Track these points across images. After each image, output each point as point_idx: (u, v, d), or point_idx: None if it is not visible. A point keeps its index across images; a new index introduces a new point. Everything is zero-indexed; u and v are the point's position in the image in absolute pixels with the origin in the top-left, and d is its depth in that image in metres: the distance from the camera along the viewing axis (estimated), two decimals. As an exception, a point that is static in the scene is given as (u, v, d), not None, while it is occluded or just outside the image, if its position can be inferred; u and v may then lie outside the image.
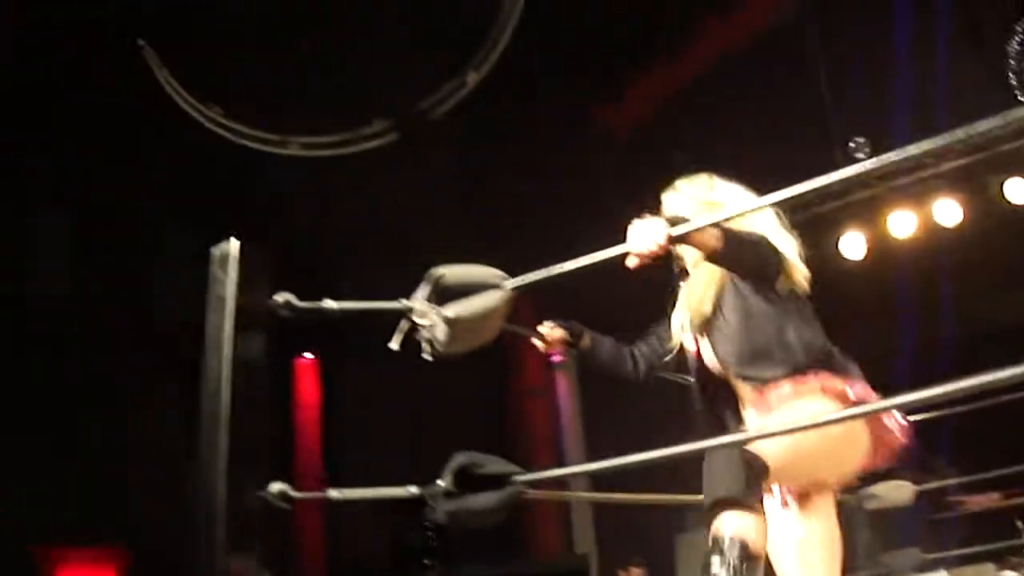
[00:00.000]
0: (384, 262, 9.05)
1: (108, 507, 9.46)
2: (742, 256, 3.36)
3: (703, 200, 3.69)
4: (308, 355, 11.96)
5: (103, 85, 9.04)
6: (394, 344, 2.75)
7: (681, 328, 3.75)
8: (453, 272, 2.71)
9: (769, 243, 3.49)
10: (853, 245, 9.64)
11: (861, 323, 10.74)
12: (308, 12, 8.99)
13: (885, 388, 2.86)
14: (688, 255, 3.67)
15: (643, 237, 2.92)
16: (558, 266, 2.73)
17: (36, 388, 9.35)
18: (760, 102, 9.89)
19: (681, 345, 3.78)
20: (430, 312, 2.64)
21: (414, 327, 2.69)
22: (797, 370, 3.37)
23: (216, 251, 2.33)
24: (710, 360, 3.64)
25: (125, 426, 9.94)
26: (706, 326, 3.62)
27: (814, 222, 9.75)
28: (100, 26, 8.80)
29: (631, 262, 2.95)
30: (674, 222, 2.97)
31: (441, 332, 2.63)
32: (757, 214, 3.57)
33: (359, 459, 10.78)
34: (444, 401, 10.49)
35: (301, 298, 2.53)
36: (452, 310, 2.65)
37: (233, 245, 2.32)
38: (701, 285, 3.62)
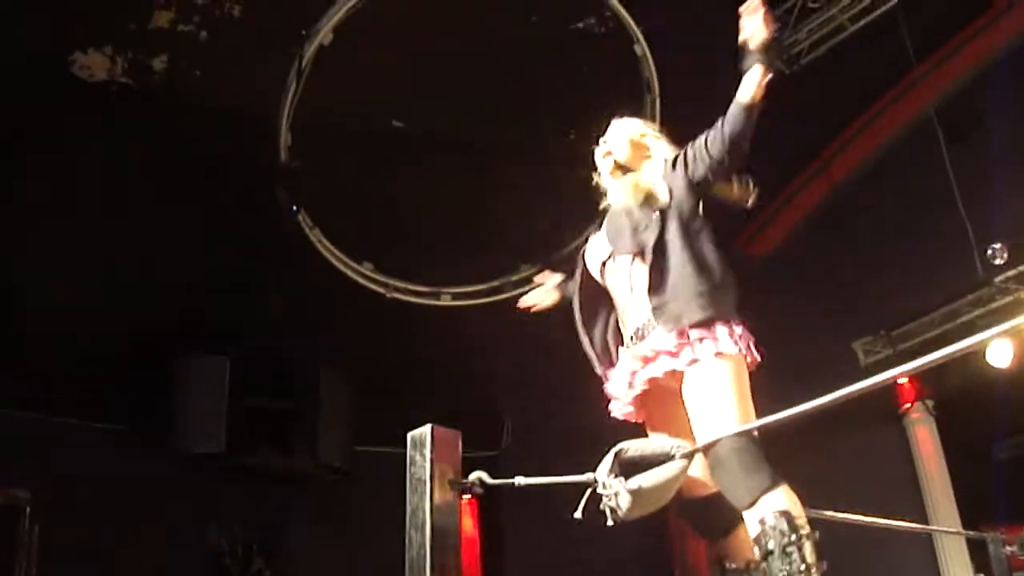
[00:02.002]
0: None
1: None
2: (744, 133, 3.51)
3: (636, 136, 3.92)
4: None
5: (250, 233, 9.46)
6: (578, 514, 2.91)
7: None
8: (634, 446, 2.88)
9: None
10: (1001, 352, 9.44)
11: (1005, 431, 10.61)
12: (451, 169, 9.36)
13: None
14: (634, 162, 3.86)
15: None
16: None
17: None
18: (896, 212, 9.94)
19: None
20: (615, 484, 2.80)
21: (596, 495, 2.86)
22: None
23: (413, 435, 2.54)
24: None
25: None
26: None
27: (960, 332, 9.67)
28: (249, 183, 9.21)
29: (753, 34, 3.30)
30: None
31: (624, 502, 2.80)
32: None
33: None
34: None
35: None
36: (637, 482, 2.81)
37: (427, 430, 2.52)
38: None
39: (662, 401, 3.60)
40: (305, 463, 10.05)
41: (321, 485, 10.36)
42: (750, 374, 3.47)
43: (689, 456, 3.03)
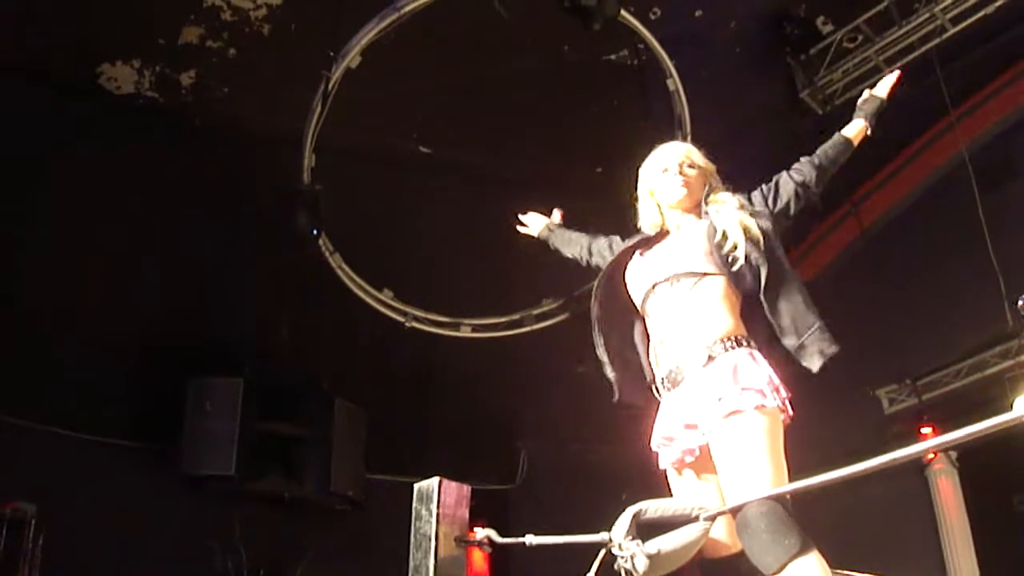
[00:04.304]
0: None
1: None
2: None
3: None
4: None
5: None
6: (591, 575, 2.79)
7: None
8: (653, 506, 2.75)
9: None
10: (1028, 406, 9.28)
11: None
12: (476, 198, 9.28)
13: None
14: (696, 189, 3.73)
15: None
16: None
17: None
18: (926, 258, 9.82)
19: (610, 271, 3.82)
20: (632, 547, 2.68)
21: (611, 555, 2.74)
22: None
23: (419, 487, 2.41)
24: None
25: None
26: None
27: (987, 383, 9.53)
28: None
29: None
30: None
31: (641, 565, 2.67)
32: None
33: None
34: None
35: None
36: (655, 546, 2.68)
37: (434, 483, 2.39)
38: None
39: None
40: (316, 492, 9.91)
41: (331, 513, 10.21)
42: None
43: (712, 519, 2.89)
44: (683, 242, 3.63)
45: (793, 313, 3.43)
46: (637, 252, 3.78)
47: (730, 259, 3.46)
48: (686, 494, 3.43)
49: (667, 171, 3.75)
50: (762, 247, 3.47)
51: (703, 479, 3.43)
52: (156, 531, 9.22)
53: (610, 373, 3.71)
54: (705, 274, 3.48)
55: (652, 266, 3.65)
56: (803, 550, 2.97)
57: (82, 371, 9.12)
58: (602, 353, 3.74)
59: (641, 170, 3.87)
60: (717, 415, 3.22)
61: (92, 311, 8.93)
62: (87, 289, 8.91)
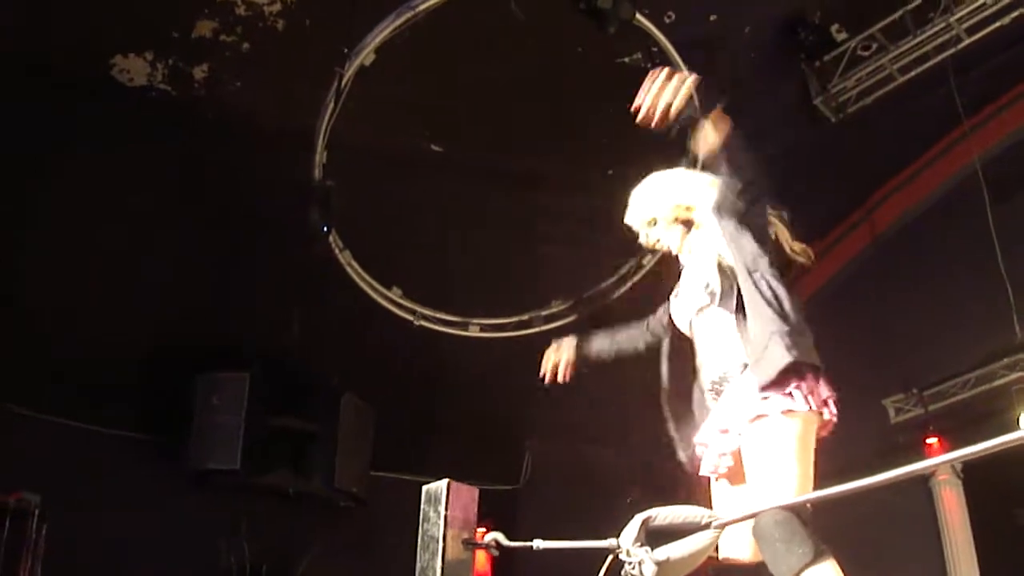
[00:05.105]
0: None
1: None
2: (743, 163, 3.41)
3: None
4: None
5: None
6: (598, 582, 2.79)
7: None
8: (663, 513, 2.75)
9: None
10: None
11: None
12: (487, 198, 9.27)
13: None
14: (674, 239, 3.74)
15: (665, 87, 2.90)
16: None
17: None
18: (936, 268, 9.79)
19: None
20: (641, 554, 2.67)
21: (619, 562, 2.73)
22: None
23: (428, 489, 2.41)
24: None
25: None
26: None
27: (993, 395, 9.51)
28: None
29: (641, 112, 2.95)
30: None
31: (649, 571, 2.67)
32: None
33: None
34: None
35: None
36: (664, 554, 2.68)
37: (443, 485, 2.39)
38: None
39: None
40: (321, 487, 9.91)
41: (336, 509, 10.22)
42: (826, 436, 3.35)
43: (723, 527, 2.89)
44: (691, 277, 3.74)
45: (758, 333, 3.37)
46: (672, 295, 3.87)
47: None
48: (724, 501, 3.46)
49: (645, 238, 3.87)
50: (735, 275, 3.49)
51: (737, 486, 3.45)
52: (160, 525, 9.22)
53: (681, 455, 3.73)
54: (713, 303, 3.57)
55: (683, 304, 3.76)
56: (817, 558, 2.98)
57: (90, 365, 9.12)
58: (672, 431, 3.76)
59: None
60: (744, 419, 3.24)
61: (100, 304, 8.94)
62: (96, 282, 8.93)
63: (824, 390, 3.34)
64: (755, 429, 3.23)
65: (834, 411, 3.34)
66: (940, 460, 2.77)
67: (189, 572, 9.35)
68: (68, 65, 8.41)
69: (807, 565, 2.96)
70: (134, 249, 9.12)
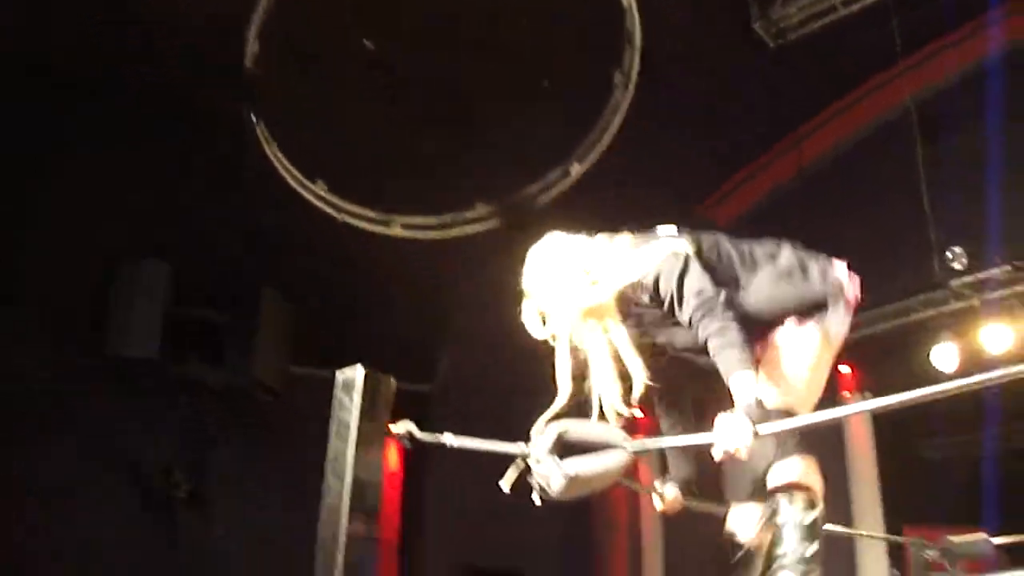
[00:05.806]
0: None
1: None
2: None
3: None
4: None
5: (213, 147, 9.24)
6: (505, 486, 2.79)
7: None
8: (577, 428, 2.75)
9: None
10: (946, 356, 9.45)
11: (949, 433, 10.72)
12: (417, 97, 9.17)
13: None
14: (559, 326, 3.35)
15: (732, 436, 2.80)
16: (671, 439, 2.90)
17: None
18: (861, 201, 9.90)
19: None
20: (550, 464, 2.67)
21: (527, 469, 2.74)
22: None
23: (341, 376, 2.40)
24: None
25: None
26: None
27: (908, 329, 9.69)
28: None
29: (717, 455, 2.87)
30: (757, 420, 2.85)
31: (556, 483, 2.68)
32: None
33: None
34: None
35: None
36: (573, 467, 2.68)
37: (358, 372, 2.38)
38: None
39: None
40: (237, 378, 9.87)
41: (253, 404, 10.19)
42: None
43: (640, 453, 2.88)
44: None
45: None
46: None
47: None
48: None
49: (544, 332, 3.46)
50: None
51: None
52: (72, 410, 9.13)
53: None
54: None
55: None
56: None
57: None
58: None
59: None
60: None
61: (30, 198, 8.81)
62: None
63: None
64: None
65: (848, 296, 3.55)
66: (857, 409, 2.78)
67: (97, 458, 9.29)
68: (68, 65, 8.26)
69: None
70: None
